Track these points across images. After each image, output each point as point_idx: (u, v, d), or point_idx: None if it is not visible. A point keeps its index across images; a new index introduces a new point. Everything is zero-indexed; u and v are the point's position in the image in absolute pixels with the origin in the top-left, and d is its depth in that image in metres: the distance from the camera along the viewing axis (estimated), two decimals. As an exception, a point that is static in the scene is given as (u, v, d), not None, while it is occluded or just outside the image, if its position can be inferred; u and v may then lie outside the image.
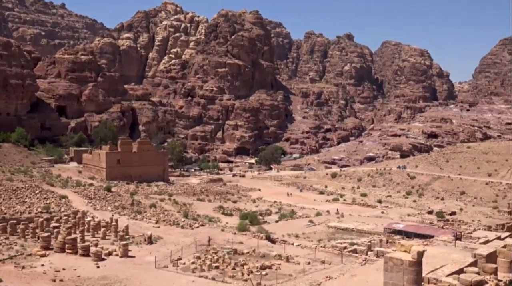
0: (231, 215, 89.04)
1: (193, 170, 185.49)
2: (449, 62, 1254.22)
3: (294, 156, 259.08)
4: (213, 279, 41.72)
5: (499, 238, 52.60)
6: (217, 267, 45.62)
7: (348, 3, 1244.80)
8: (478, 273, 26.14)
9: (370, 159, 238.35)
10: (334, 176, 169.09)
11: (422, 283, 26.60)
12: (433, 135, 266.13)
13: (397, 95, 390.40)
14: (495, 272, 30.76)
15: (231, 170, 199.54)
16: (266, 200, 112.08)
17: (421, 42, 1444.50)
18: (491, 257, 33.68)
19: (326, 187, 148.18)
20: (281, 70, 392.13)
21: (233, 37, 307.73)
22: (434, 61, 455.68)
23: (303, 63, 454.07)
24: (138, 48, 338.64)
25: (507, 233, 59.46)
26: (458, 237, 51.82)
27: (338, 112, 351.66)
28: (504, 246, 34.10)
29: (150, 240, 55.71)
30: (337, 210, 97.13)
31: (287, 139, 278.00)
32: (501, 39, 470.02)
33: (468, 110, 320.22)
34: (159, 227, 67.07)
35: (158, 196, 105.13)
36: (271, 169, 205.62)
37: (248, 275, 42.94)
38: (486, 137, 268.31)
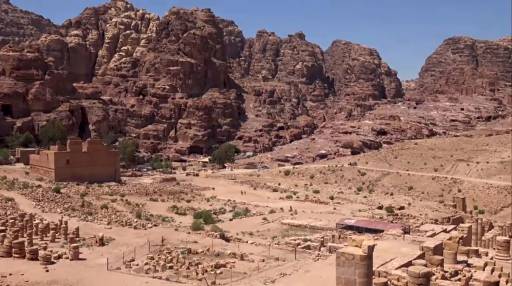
0: (185, 214, 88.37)
1: (145, 170, 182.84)
2: (396, 61, 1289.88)
3: (248, 154, 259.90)
4: (167, 279, 41.32)
5: (445, 230, 54.60)
6: (171, 267, 45.21)
7: (299, 2, 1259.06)
8: (425, 265, 27.08)
9: (322, 156, 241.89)
10: (287, 173, 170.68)
11: (373, 277, 27.31)
12: (382, 132, 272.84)
13: (347, 93, 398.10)
14: (441, 263, 31.97)
15: (184, 169, 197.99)
16: (220, 199, 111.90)
17: (370, 42, 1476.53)
18: (438, 249, 34.97)
19: (279, 184, 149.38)
20: (234, 69, 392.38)
21: (185, 35, 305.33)
22: (382, 60, 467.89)
23: (256, 62, 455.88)
24: (87, 46, 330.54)
25: (452, 226, 61.86)
26: (406, 231, 53.37)
27: (291, 110, 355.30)
28: (450, 239, 35.46)
29: (101, 242, 54.58)
30: (291, 207, 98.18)
31: (240, 138, 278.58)
32: (445, 39, 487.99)
33: (415, 107, 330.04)
34: (111, 228, 65.81)
35: (109, 197, 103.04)
36: (224, 167, 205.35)
37: (203, 274, 42.79)
38: (432, 134, 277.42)
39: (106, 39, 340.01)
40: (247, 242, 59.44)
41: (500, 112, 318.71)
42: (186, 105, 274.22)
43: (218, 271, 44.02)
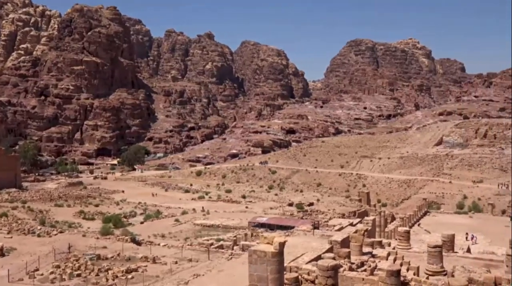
0: (93, 219, 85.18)
1: (49, 174, 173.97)
2: (303, 62, 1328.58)
3: (158, 155, 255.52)
4: (75, 287, 39.70)
5: (351, 224, 57.05)
6: (79, 275, 43.42)
7: (207, 3, 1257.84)
8: (334, 258, 28.08)
9: (234, 156, 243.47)
10: (199, 173, 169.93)
11: (285, 272, 27.89)
12: (291, 131, 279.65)
13: (257, 93, 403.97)
14: (348, 255, 33.32)
15: (91, 172, 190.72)
16: (130, 202, 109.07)
17: (278, 43, 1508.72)
18: (345, 242, 36.40)
19: (191, 185, 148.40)
20: (142, 69, 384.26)
21: (89, 33, 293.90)
22: (290, 61, 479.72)
23: (165, 62, 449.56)
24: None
25: (358, 219, 64.79)
26: (316, 226, 55.13)
27: (201, 110, 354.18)
28: (356, 232, 37.02)
29: (1, 252, 51.24)
30: (203, 208, 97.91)
31: (150, 139, 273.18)
32: (348, 41, 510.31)
33: (321, 107, 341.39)
34: (11, 237, 61.89)
35: (9, 204, 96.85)
36: (134, 169, 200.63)
37: (113, 280, 41.53)
38: (338, 132, 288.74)
39: (2, 36, 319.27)
40: (159, 244, 58.47)
41: (399, 111, 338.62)
42: (93, 106, 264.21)
43: (130, 276, 42.94)
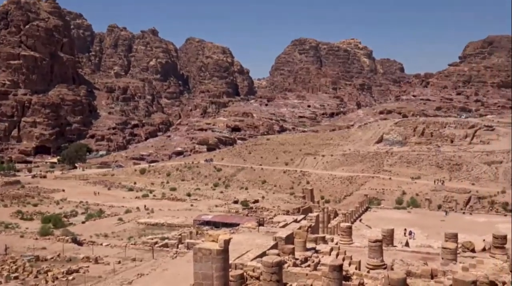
0: (31, 219, 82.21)
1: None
2: (249, 60, 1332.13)
3: (101, 153, 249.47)
4: (12, 290, 38.27)
5: (295, 220, 58.04)
6: (16, 278, 41.86)
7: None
8: (278, 254, 28.48)
9: (179, 153, 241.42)
10: (143, 172, 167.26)
11: (230, 269, 28.03)
12: (236, 129, 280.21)
13: (202, 90, 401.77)
14: (292, 252, 33.88)
15: (30, 170, 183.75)
16: (71, 201, 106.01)
17: (223, 40, 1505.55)
18: (289, 239, 37.00)
19: (135, 183, 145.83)
20: (83, 64, 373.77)
21: (27, 26, 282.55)
22: (235, 59, 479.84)
23: (107, 57, 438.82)
24: None
25: (302, 216, 65.95)
26: (261, 223, 55.61)
27: (145, 107, 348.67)
28: (300, 228, 37.71)
29: None
30: (145, 206, 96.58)
31: (92, 136, 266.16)
32: (292, 39, 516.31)
33: (266, 105, 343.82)
34: None
35: None
36: (75, 167, 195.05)
37: (53, 282, 40.32)
38: (282, 129, 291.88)
39: None
40: (101, 244, 57.27)
41: (341, 109, 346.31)
42: (31, 102, 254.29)
43: (70, 277, 41.82)
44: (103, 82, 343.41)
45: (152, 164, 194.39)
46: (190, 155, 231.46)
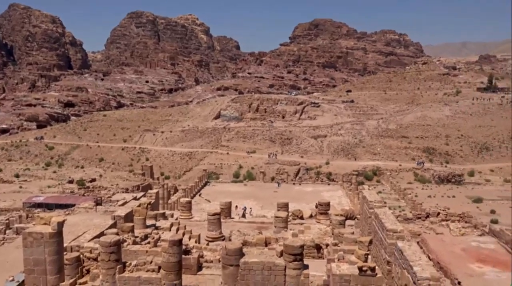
0: None
1: None
2: (82, 31, 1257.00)
3: None
4: None
5: (135, 198, 57.31)
6: None
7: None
8: (117, 233, 28.03)
9: (4, 131, 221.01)
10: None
11: (65, 252, 26.93)
12: (70, 104, 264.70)
13: (29, 63, 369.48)
14: (132, 230, 33.60)
15: None
16: None
17: (51, 9, 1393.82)
18: (128, 217, 36.54)
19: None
20: None
21: None
22: (66, 29, 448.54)
23: None
24: None
25: (142, 193, 65.32)
26: (98, 202, 53.96)
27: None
28: (139, 205, 37.43)
29: None
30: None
31: None
32: (129, 12, 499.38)
33: (102, 79, 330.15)
34: None
35: None
36: None
37: None
38: (120, 105, 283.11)
39: None
40: None
41: (180, 85, 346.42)
42: None
43: None
44: None
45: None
46: (17, 132, 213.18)
